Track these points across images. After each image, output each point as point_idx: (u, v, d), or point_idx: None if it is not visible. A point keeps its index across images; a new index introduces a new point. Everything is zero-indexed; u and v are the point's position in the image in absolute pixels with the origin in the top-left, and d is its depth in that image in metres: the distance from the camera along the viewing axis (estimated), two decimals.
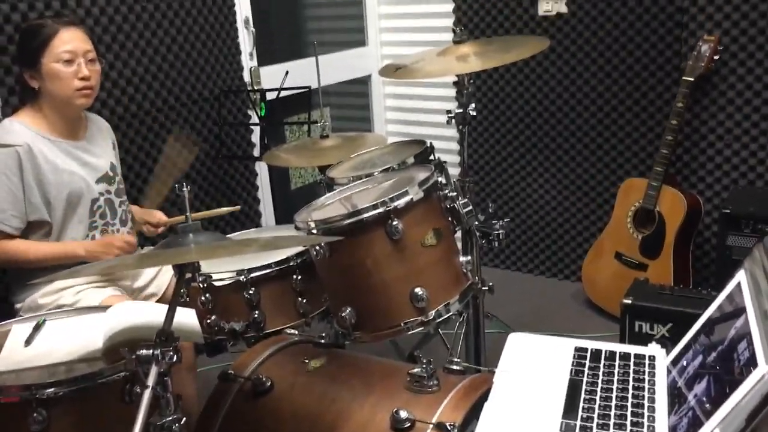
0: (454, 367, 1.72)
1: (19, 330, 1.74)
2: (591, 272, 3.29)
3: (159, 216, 2.36)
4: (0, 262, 2.07)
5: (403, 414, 1.50)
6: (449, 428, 1.45)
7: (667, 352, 1.22)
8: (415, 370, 1.62)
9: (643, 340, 2.36)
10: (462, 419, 1.48)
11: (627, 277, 2.91)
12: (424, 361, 1.63)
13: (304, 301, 1.99)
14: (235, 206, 2.46)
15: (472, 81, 2.18)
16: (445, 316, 1.72)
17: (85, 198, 2.14)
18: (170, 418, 1.27)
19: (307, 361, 1.77)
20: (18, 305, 2.15)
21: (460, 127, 2.19)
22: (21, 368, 1.57)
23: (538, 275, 3.71)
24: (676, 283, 2.88)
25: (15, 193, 2.01)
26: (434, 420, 1.48)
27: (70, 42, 2.04)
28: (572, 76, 3.33)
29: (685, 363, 1.11)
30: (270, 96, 2.91)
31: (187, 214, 1.44)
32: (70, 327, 1.76)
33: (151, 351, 1.23)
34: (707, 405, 0.95)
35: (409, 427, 1.49)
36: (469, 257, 1.82)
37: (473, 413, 1.53)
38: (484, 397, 1.56)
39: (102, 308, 1.83)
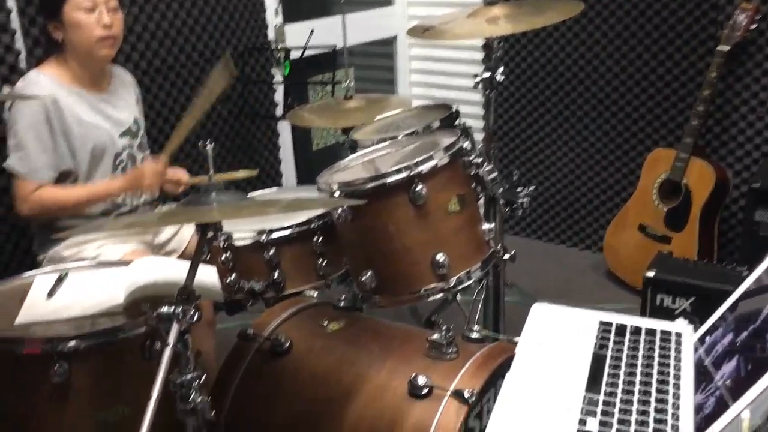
0: (473, 335, 1.71)
1: (41, 282, 1.76)
2: (613, 243, 3.25)
3: (181, 175, 2.35)
4: (37, 211, 2.07)
5: (421, 380, 1.49)
6: (467, 396, 1.44)
7: (695, 329, 1.19)
8: (434, 336, 1.61)
9: (665, 313, 2.33)
10: (480, 387, 1.48)
11: (650, 250, 2.88)
12: (444, 328, 1.62)
13: (324, 263, 1.98)
14: (252, 171, 2.44)
15: (501, 44, 2.12)
16: (466, 284, 1.70)
17: (109, 152, 2.14)
18: (190, 375, 1.27)
19: (326, 323, 1.78)
20: (41, 257, 2.17)
21: (487, 91, 2.14)
22: (43, 320, 1.58)
23: (559, 244, 3.68)
24: (700, 257, 2.84)
25: (45, 143, 2.02)
26: (452, 387, 1.48)
27: None
28: (603, 42, 3.24)
29: (713, 341, 1.09)
30: (294, 55, 2.87)
31: (210, 173, 1.43)
32: (92, 280, 1.77)
33: (172, 309, 1.23)
34: (735, 385, 0.93)
35: (427, 394, 1.49)
36: (492, 225, 1.79)
37: (491, 382, 1.53)
38: (503, 366, 1.57)
39: (124, 263, 1.83)
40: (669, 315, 2.33)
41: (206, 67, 2.96)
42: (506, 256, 2.00)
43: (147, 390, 1.13)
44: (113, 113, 2.18)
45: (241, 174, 2.43)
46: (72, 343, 1.47)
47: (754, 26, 2.78)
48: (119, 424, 1.53)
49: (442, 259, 1.63)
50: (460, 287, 1.69)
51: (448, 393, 1.47)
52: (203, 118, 2.38)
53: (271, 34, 3.23)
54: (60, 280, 1.75)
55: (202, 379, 1.29)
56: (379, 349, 1.66)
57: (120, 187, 2.11)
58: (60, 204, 2.07)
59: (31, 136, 2.00)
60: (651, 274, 2.38)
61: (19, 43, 2.38)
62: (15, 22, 2.36)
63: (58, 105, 2.02)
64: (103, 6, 2.04)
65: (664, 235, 2.98)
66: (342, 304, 1.90)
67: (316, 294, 1.97)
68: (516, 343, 1.65)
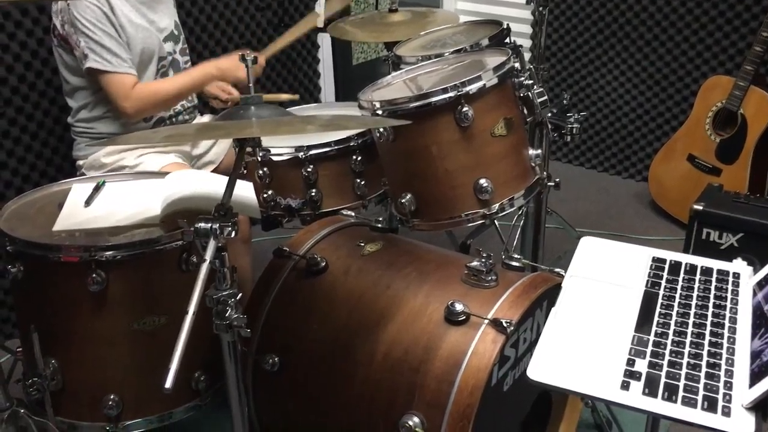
0: (514, 264, 1.67)
1: (79, 189, 1.75)
2: (659, 173, 3.14)
3: (229, 89, 2.29)
4: (140, 106, 2.03)
5: (459, 306, 1.47)
6: (505, 325, 1.42)
7: (754, 272, 1.13)
8: (474, 263, 1.57)
9: (710, 248, 2.27)
10: (519, 317, 1.45)
11: (698, 181, 2.78)
12: (484, 255, 1.58)
13: (362, 183, 1.94)
14: (294, 95, 2.40)
15: None
16: (508, 211, 1.65)
17: (155, 56, 2.10)
18: (226, 292, 1.26)
19: (362, 244, 1.75)
20: (80, 162, 2.16)
21: (540, 8, 2.03)
22: (81, 228, 1.58)
23: (602, 172, 3.58)
24: (751, 192, 2.73)
25: (115, 37, 1.98)
26: (490, 315, 1.45)
27: None
28: None
29: None
30: None
31: (250, 85, 1.37)
32: (128, 191, 1.76)
33: (209, 225, 1.20)
34: None
35: (464, 320, 1.46)
36: (539, 150, 1.71)
37: (529, 312, 1.50)
38: (543, 296, 1.53)
39: (161, 174, 1.81)
40: (714, 249, 2.26)
41: None
42: (551, 184, 1.93)
43: (183, 300, 1.12)
44: (155, 18, 2.13)
45: (284, 97, 2.40)
46: (109, 253, 1.48)
47: None
48: (155, 333, 1.55)
49: (485, 185, 1.57)
50: (502, 214, 1.63)
51: (486, 321, 1.44)
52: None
53: None
54: (97, 189, 1.74)
55: (239, 296, 1.28)
56: (416, 273, 1.63)
57: (220, 68, 2.07)
58: (162, 95, 2.05)
59: (102, 33, 1.96)
60: (699, 207, 2.30)
61: None
62: None
63: (110, 3, 1.97)
64: None
65: (714, 166, 2.87)
66: (379, 225, 1.86)
67: (353, 213, 1.93)
68: (557, 274, 1.63)
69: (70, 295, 1.51)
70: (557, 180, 1.95)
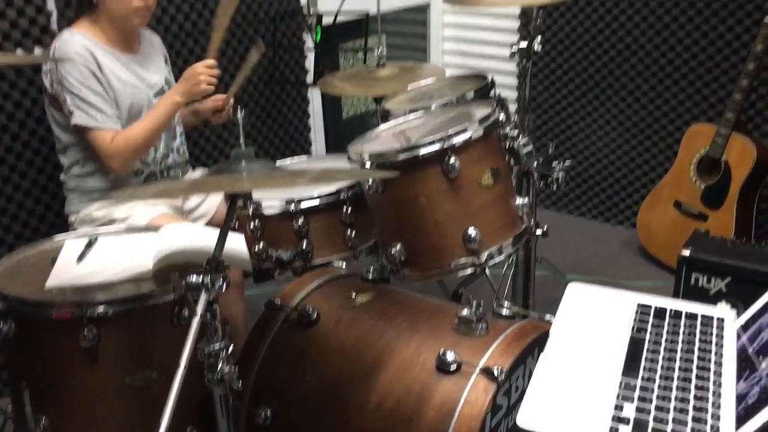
0: (504, 312, 1.68)
1: (72, 245, 1.76)
2: (647, 219, 3.18)
3: (220, 97, 2.29)
4: (123, 159, 2.06)
5: (450, 355, 1.47)
6: (496, 373, 1.42)
7: (738, 314, 1.15)
8: (464, 312, 1.59)
9: (700, 293, 2.28)
10: (510, 365, 1.45)
11: (685, 227, 2.81)
12: (474, 303, 1.60)
13: (353, 234, 1.96)
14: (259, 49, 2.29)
15: (540, 12, 2.06)
16: (497, 259, 1.67)
17: (144, 111, 2.14)
18: (218, 345, 1.26)
19: (354, 295, 1.76)
20: (72, 217, 2.19)
21: (523, 61, 2.08)
22: (73, 285, 1.58)
23: (591, 219, 3.62)
24: (737, 236, 2.76)
25: (102, 95, 2.03)
26: (481, 364, 1.46)
27: None
28: (644, 11, 3.14)
29: (757, 328, 1.05)
30: (326, 21, 2.82)
31: (241, 141, 1.40)
32: (121, 246, 1.77)
33: (201, 278, 1.21)
34: None
35: (456, 369, 1.47)
36: (526, 199, 1.74)
37: (521, 359, 1.51)
38: (533, 344, 1.54)
39: (153, 228, 1.83)
40: (703, 295, 2.28)
41: (236, 32, 2.93)
42: (538, 232, 1.96)
43: (175, 355, 1.13)
44: (146, 75, 2.18)
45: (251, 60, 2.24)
46: (101, 308, 1.48)
47: None
48: (148, 388, 1.54)
49: (473, 234, 1.60)
50: (491, 263, 1.66)
51: (477, 369, 1.45)
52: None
53: (303, 0, 3.18)
54: (90, 245, 1.75)
55: (230, 349, 1.28)
56: (407, 323, 1.64)
57: (180, 93, 2.08)
58: (138, 141, 2.06)
59: (87, 90, 2.00)
60: (687, 252, 2.32)
61: (51, 5, 2.36)
62: None
63: (98, 62, 2.02)
64: None
65: (700, 212, 2.91)
66: (370, 275, 1.88)
67: (344, 265, 1.95)
68: (547, 321, 1.64)
69: (61, 351, 1.51)
70: (545, 228, 1.98)
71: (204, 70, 2.07)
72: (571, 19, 3.36)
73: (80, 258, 1.70)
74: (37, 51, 2.34)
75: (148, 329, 1.55)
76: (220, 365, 1.26)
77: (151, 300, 1.52)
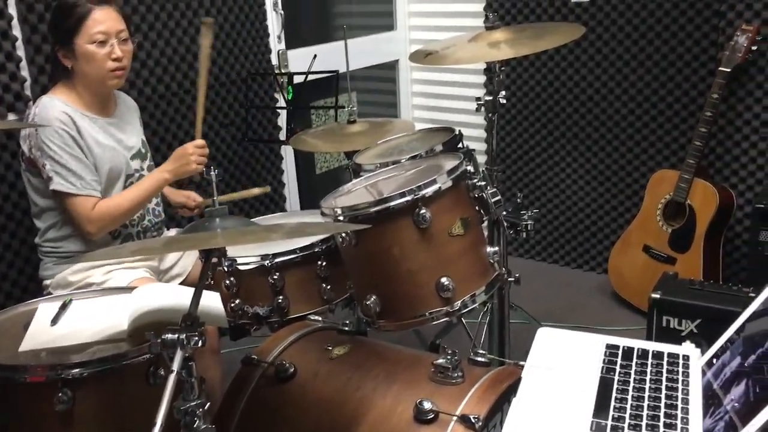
0: (479, 359, 1.70)
1: (45, 309, 1.75)
2: (618, 264, 3.24)
3: (194, 197, 2.36)
4: (101, 225, 2.08)
5: (427, 405, 1.48)
6: (473, 421, 1.43)
7: (702, 352, 1.19)
8: (440, 360, 1.60)
9: (671, 335, 2.32)
10: (486, 412, 1.46)
11: (655, 271, 2.87)
12: (449, 352, 1.61)
13: (329, 287, 1.98)
14: (264, 188, 2.46)
15: (502, 68, 2.14)
16: (471, 307, 1.69)
17: (123, 174, 2.16)
18: (194, 402, 1.26)
19: (330, 348, 1.77)
20: (47, 282, 2.17)
21: (490, 114, 2.16)
22: (47, 348, 1.57)
23: (563, 266, 3.67)
24: (705, 278, 2.83)
25: (82, 160, 2.04)
26: (458, 412, 1.47)
27: (103, 22, 2.03)
28: (604, 64, 3.26)
29: (721, 364, 1.08)
30: (297, 80, 2.89)
31: (215, 198, 1.43)
32: (95, 307, 1.77)
33: (176, 335, 1.22)
34: (745, 409, 0.92)
35: (433, 419, 1.48)
36: (497, 248, 1.78)
37: (498, 406, 1.52)
38: (509, 390, 1.55)
39: (127, 289, 1.83)
40: (675, 336, 2.32)
41: (209, 94, 2.98)
42: (511, 279, 2.00)
43: (151, 415, 1.12)
44: (122, 137, 2.20)
45: (256, 191, 2.45)
46: (76, 371, 1.46)
47: (754, 48, 2.79)
48: None
49: (446, 283, 1.63)
50: (465, 311, 1.68)
51: (455, 418, 1.46)
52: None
53: (274, 60, 3.26)
54: (64, 307, 1.75)
55: (207, 407, 1.28)
56: (384, 374, 1.65)
57: (170, 171, 2.13)
58: (121, 211, 2.09)
59: (68, 156, 2.02)
60: (656, 295, 2.37)
61: (25, 72, 2.40)
62: (21, 50, 2.38)
63: (77, 126, 2.04)
64: (115, 39, 2.05)
65: (668, 256, 2.98)
66: (346, 328, 1.89)
67: (320, 318, 1.96)
68: (522, 367, 1.66)
69: (35, 415, 1.48)
70: (517, 275, 2.02)
71: (195, 150, 2.13)
72: (534, 73, 3.48)
73: (54, 321, 1.69)
74: (11, 117, 2.36)
75: (123, 389, 1.53)
76: (196, 423, 1.25)
77: (125, 360, 1.51)
